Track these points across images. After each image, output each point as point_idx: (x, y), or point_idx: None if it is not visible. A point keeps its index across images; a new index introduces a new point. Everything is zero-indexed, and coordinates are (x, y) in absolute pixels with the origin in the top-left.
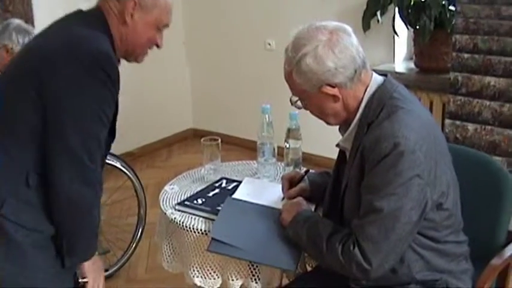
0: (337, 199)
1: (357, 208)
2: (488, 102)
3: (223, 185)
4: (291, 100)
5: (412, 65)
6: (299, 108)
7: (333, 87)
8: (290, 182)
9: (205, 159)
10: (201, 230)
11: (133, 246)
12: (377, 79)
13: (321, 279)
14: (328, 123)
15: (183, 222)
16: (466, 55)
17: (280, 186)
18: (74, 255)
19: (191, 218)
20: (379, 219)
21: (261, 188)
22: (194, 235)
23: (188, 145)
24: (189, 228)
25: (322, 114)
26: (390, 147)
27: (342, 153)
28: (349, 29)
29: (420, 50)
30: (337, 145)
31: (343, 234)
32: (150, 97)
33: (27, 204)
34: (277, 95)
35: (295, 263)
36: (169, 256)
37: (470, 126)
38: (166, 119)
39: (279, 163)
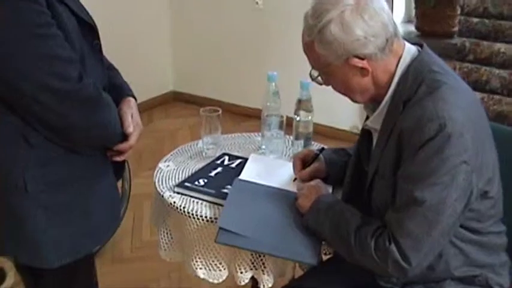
0: (360, 184)
1: (391, 198)
2: (497, 71)
3: (226, 162)
4: (310, 75)
5: (412, 28)
6: (320, 84)
7: (362, 59)
8: (303, 162)
9: (203, 132)
10: (205, 217)
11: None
12: (411, 49)
13: (340, 272)
14: (354, 100)
15: (184, 208)
16: (474, 19)
17: (291, 164)
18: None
19: (193, 202)
20: (421, 213)
21: (270, 167)
22: (198, 222)
23: (169, 109)
24: (192, 214)
25: (347, 91)
26: (435, 129)
27: (365, 132)
28: None
29: (423, 13)
30: (365, 126)
31: (376, 226)
32: (127, 58)
33: (49, 163)
34: (267, 58)
35: (317, 255)
36: (166, 243)
37: (477, 96)
38: (145, 82)
39: (287, 136)
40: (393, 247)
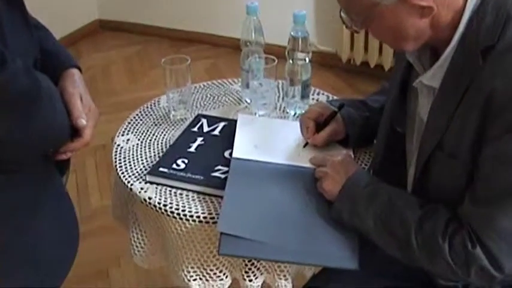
0: (394, 151)
1: (466, 184)
2: None
3: (205, 128)
4: (343, 20)
5: None
6: (356, 32)
7: None
8: (316, 122)
9: (168, 86)
10: (197, 217)
11: None
12: None
13: (378, 261)
14: (400, 48)
15: (165, 206)
16: None
17: (293, 124)
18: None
19: (175, 195)
20: None
21: (268, 132)
22: (186, 224)
23: (97, 41)
24: (177, 214)
25: (397, 38)
26: None
27: (403, 83)
28: None
29: None
30: (416, 84)
31: (445, 219)
32: None
33: None
34: None
35: (356, 256)
36: (142, 247)
37: None
38: (66, 11)
39: (278, 82)
40: (479, 252)
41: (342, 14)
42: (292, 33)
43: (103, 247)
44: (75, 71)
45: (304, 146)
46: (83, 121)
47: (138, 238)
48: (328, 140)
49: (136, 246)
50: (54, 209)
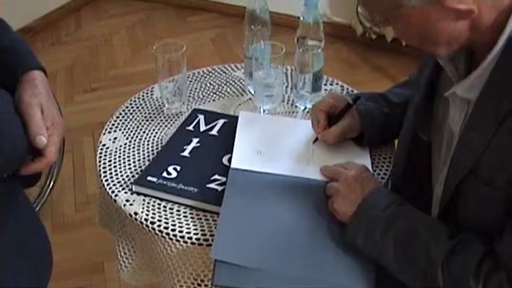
0: (422, 166)
1: (506, 217)
2: None
3: (202, 126)
4: (360, 18)
5: None
6: (375, 33)
7: None
8: (328, 115)
9: (160, 75)
10: (189, 237)
11: (54, 173)
12: None
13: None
14: (432, 53)
15: (153, 224)
16: None
17: (303, 123)
18: None
19: (164, 209)
20: None
21: (274, 134)
22: (176, 245)
23: (99, 8)
24: (167, 234)
25: (426, 43)
26: None
27: (429, 87)
28: None
29: None
30: (449, 95)
31: (479, 256)
32: None
33: None
34: None
35: (371, 279)
36: (130, 263)
37: None
38: None
39: (287, 69)
40: None
41: (360, 10)
42: (302, 17)
43: (98, 238)
44: (36, 73)
45: (314, 142)
46: (42, 139)
47: (125, 253)
48: (341, 136)
49: (124, 262)
50: (16, 234)
